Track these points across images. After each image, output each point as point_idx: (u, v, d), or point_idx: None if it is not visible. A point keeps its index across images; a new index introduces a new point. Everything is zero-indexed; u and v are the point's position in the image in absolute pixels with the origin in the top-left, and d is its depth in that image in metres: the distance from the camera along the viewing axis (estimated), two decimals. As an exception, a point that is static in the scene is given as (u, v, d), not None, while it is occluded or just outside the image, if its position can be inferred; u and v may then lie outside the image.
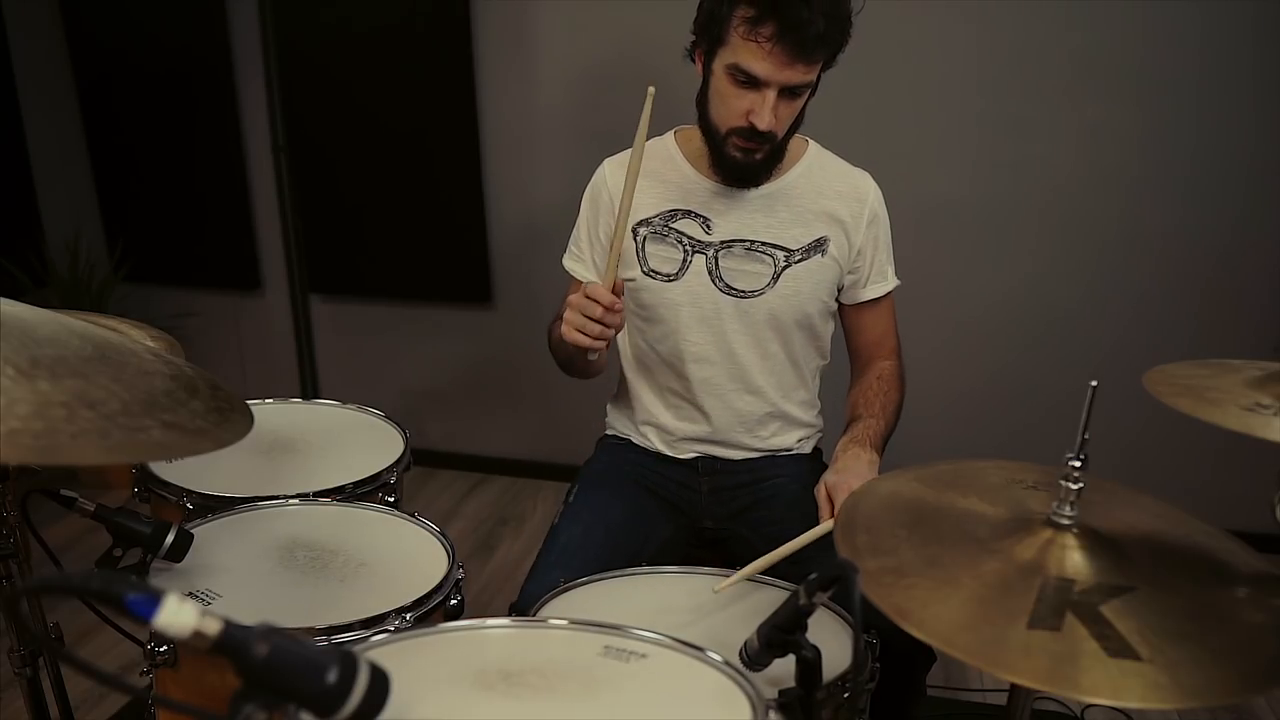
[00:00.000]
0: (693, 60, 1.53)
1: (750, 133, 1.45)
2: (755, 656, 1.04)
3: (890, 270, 1.67)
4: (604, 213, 1.63)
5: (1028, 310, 2.69)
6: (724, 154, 1.51)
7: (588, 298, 1.38)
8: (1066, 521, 1.00)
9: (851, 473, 1.40)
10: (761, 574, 1.34)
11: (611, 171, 1.65)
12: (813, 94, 1.49)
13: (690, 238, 1.58)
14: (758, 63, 1.39)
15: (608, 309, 1.37)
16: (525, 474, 3.23)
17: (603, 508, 1.59)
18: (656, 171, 1.60)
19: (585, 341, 1.39)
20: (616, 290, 1.39)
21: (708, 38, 1.46)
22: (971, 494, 1.11)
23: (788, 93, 1.42)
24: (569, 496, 1.65)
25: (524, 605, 1.37)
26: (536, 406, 3.15)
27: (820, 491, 1.41)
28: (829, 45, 1.40)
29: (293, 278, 3.19)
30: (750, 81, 1.41)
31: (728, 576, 1.35)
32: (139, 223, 3.27)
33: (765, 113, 1.42)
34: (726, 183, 1.56)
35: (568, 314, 1.40)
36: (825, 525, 1.35)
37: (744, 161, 1.50)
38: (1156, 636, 0.87)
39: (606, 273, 1.39)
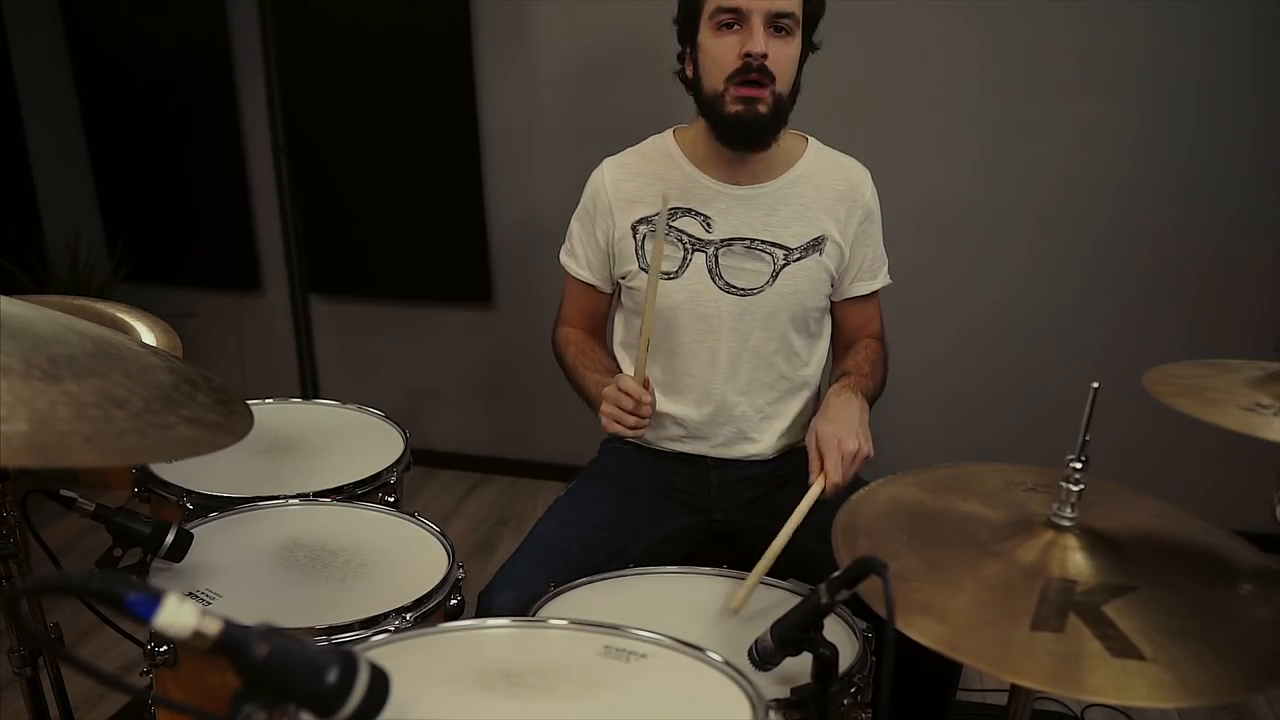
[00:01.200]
0: (684, 72, 1.55)
1: (746, 71, 1.44)
2: (767, 656, 1.04)
3: (883, 270, 1.68)
4: (601, 214, 1.63)
5: (1027, 311, 2.68)
6: (726, 115, 1.48)
7: (619, 390, 1.45)
8: (1067, 523, 1.00)
9: (842, 422, 1.42)
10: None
11: (610, 172, 1.64)
12: (809, 50, 1.50)
13: (690, 236, 1.58)
14: None
15: (638, 402, 1.44)
16: (525, 474, 3.23)
17: (587, 506, 1.60)
18: (656, 170, 1.61)
19: (624, 431, 1.47)
20: (645, 385, 1.46)
21: (686, 10, 1.50)
22: (971, 497, 1.11)
23: (775, 27, 1.43)
24: (560, 494, 1.66)
25: (489, 593, 1.40)
26: (536, 406, 3.15)
27: (811, 442, 1.43)
28: None
29: (293, 278, 3.19)
30: (736, 18, 1.43)
31: (728, 576, 1.35)
32: (139, 223, 3.26)
33: (758, 40, 1.42)
34: (734, 147, 1.52)
35: (605, 406, 1.48)
36: (816, 488, 1.36)
37: (747, 115, 1.47)
38: (1159, 635, 0.87)
39: (636, 369, 1.45)
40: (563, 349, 1.71)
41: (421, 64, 2.83)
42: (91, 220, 3.26)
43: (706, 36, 1.47)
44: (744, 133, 1.50)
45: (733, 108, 1.47)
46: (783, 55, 1.45)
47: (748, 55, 1.43)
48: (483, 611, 1.39)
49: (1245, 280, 2.54)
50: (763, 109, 1.46)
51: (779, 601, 1.28)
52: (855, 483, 1.39)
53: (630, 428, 1.46)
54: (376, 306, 3.20)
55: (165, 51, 3.03)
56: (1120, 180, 2.54)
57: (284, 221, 3.11)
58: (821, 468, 1.38)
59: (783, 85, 1.47)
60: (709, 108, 1.51)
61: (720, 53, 1.46)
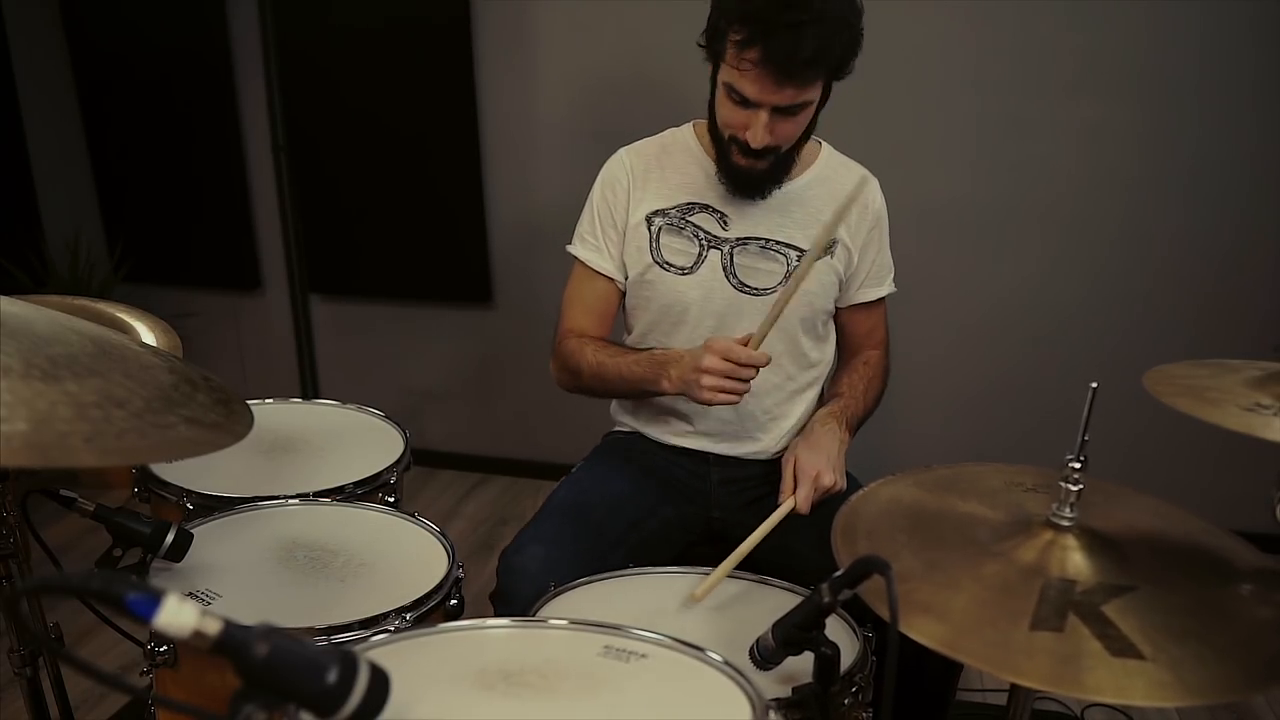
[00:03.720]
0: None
1: (746, 148, 1.46)
2: (769, 655, 1.04)
3: (889, 277, 1.68)
4: (619, 199, 1.62)
5: (1028, 311, 2.68)
6: (729, 161, 1.51)
7: (739, 363, 1.36)
8: (1067, 523, 1.00)
9: (822, 454, 1.45)
10: (755, 573, 1.35)
11: (630, 159, 1.63)
12: (824, 103, 1.49)
13: (706, 232, 1.58)
14: (747, 85, 1.39)
15: (762, 366, 1.38)
16: (525, 474, 3.23)
17: (604, 478, 1.64)
18: (675, 163, 1.61)
19: (732, 400, 1.39)
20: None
21: (711, 51, 1.47)
22: (971, 498, 1.11)
23: (783, 111, 1.42)
24: (573, 470, 1.69)
25: (515, 550, 1.43)
26: (536, 406, 3.15)
27: (788, 465, 1.45)
28: (822, 66, 1.39)
29: (293, 278, 3.19)
30: (744, 101, 1.42)
31: (728, 576, 1.35)
32: (139, 223, 3.26)
33: (758, 131, 1.42)
34: (734, 192, 1.55)
35: (709, 380, 1.36)
36: (786, 506, 1.40)
37: (746, 169, 1.50)
38: (1159, 635, 0.87)
39: (758, 334, 1.38)
40: (576, 356, 1.60)
41: (422, 64, 2.83)
42: (91, 220, 3.26)
43: (720, 89, 1.46)
44: (743, 183, 1.53)
45: (735, 159, 1.50)
46: (788, 130, 1.46)
47: (747, 141, 1.44)
48: (506, 571, 1.41)
49: (1246, 280, 2.54)
50: (762, 168, 1.50)
51: (771, 598, 1.28)
52: (847, 491, 1.42)
53: (741, 394, 1.39)
54: (376, 306, 3.20)
55: (165, 51, 3.03)
56: (1121, 181, 2.54)
57: (284, 221, 3.11)
58: (793, 492, 1.42)
59: (787, 145, 1.48)
60: (715, 139, 1.53)
61: (727, 117, 1.46)
